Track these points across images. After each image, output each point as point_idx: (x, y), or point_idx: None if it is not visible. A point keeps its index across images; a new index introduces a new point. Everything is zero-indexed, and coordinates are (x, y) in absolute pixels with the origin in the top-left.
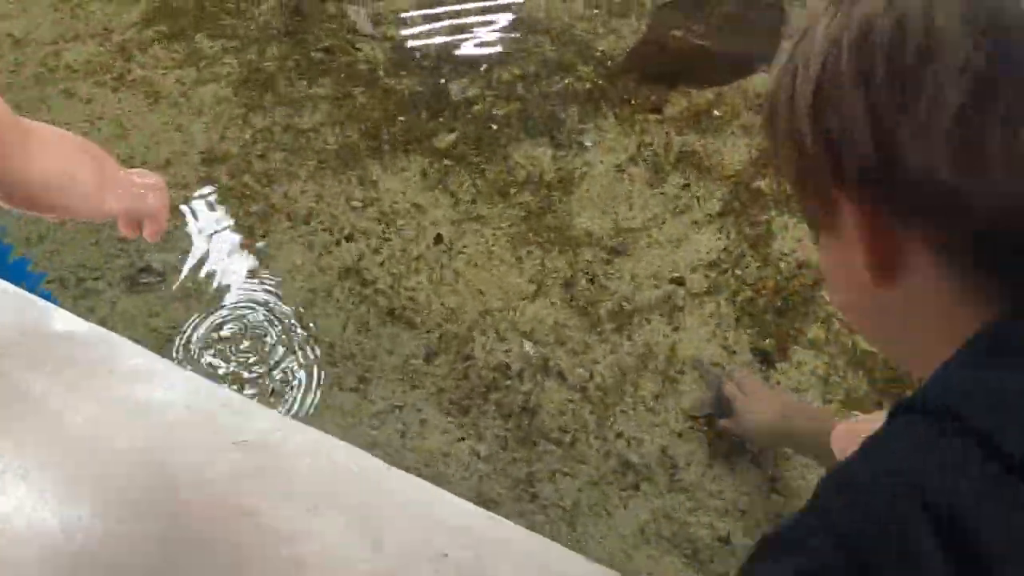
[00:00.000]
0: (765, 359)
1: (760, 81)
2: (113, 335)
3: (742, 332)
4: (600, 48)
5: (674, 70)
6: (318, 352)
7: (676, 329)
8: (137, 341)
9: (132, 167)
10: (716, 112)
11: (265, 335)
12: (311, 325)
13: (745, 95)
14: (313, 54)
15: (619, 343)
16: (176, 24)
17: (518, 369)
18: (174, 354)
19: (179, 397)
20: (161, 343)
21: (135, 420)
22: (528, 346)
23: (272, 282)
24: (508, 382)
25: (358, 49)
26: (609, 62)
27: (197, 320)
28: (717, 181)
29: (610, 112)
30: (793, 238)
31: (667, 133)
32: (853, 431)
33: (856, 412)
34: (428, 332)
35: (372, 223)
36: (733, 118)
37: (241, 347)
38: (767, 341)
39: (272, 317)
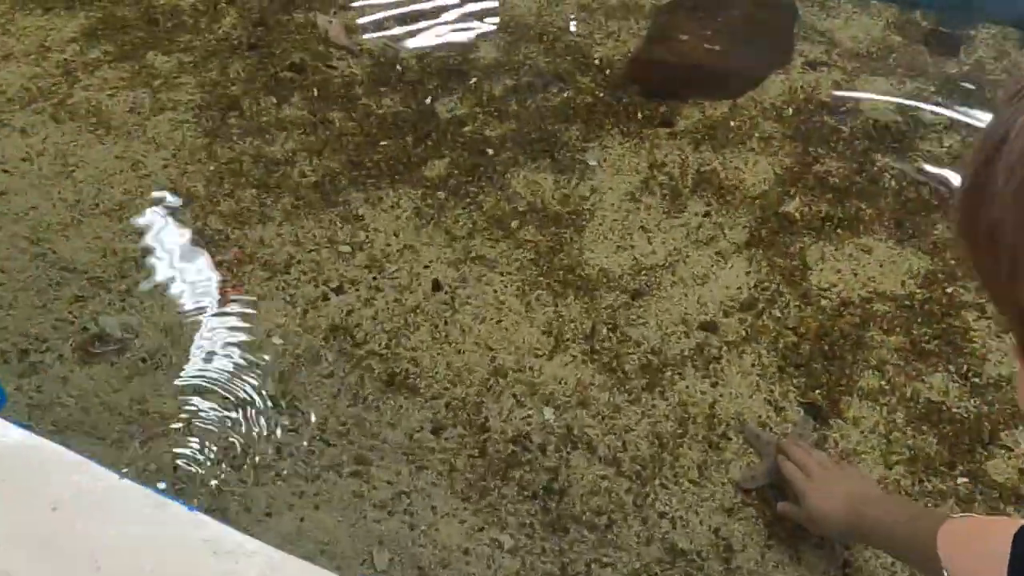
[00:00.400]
0: (817, 414)
1: (775, 87)
2: (51, 446)
3: (787, 384)
4: (598, 55)
5: (682, 78)
6: (308, 430)
7: (715, 384)
8: (92, 430)
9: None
10: (732, 124)
11: (245, 413)
12: (298, 397)
13: (761, 105)
14: (282, 72)
15: (652, 404)
16: (123, 39)
17: (540, 440)
18: (138, 448)
19: (147, 539)
20: (121, 427)
21: None
22: (549, 412)
23: (250, 346)
24: (529, 456)
25: (332, 65)
26: (609, 71)
27: (163, 396)
28: (740, 205)
29: (615, 128)
30: (831, 269)
31: (681, 151)
32: (970, 534)
33: (968, 512)
34: (434, 399)
35: (361, 270)
36: (751, 131)
37: (217, 430)
38: (816, 393)
39: (252, 390)
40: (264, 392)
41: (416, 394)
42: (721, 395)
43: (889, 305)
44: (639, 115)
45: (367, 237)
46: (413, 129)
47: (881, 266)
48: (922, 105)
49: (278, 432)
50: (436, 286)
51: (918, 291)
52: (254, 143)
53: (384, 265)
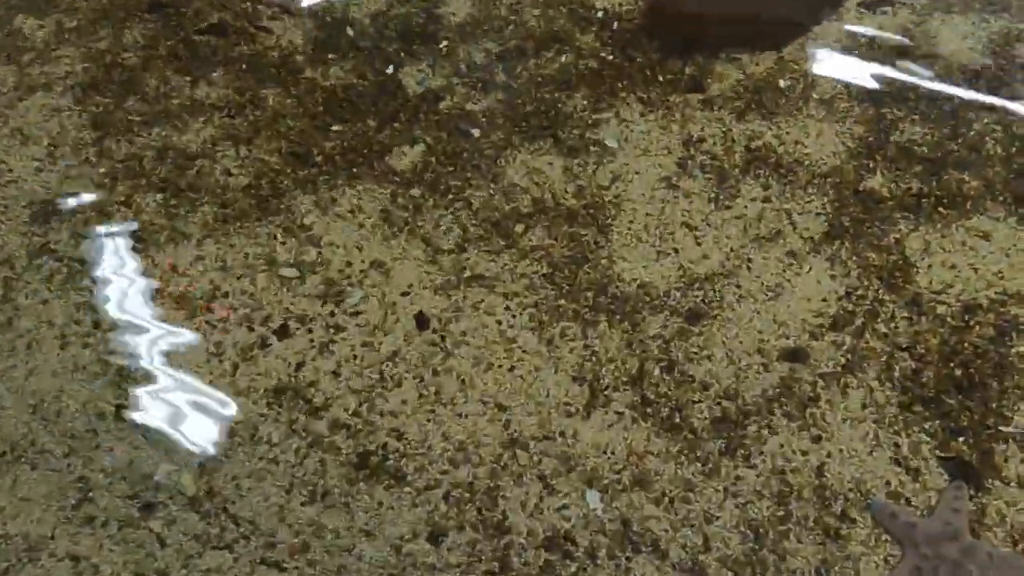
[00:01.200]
0: (967, 474)
1: (829, 34)
2: None
3: (917, 430)
4: (600, 6)
5: (711, 30)
6: (248, 548)
7: (817, 439)
8: None
9: None
10: (781, 84)
11: (153, 525)
12: (230, 497)
13: (815, 58)
14: (197, 37)
15: (737, 475)
16: None
17: (586, 543)
18: None
19: None
20: None
21: None
22: (594, 498)
23: (161, 420)
24: (573, 567)
25: (263, 27)
26: (616, 24)
27: (31, 507)
28: (810, 186)
29: (632, 96)
30: (942, 264)
31: (721, 122)
32: None
33: None
34: (428, 489)
35: (312, 302)
36: (808, 92)
37: (112, 554)
38: (960, 442)
39: (163, 489)
40: (180, 491)
41: (402, 483)
42: (829, 454)
43: None
44: (660, 78)
45: (319, 256)
46: (373, 107)
47: (1007, 255)
48: (1016, 44)
49: (203, 553)
50: (421, 321)
51: None
52: (161, 133)
53: (345, 293)
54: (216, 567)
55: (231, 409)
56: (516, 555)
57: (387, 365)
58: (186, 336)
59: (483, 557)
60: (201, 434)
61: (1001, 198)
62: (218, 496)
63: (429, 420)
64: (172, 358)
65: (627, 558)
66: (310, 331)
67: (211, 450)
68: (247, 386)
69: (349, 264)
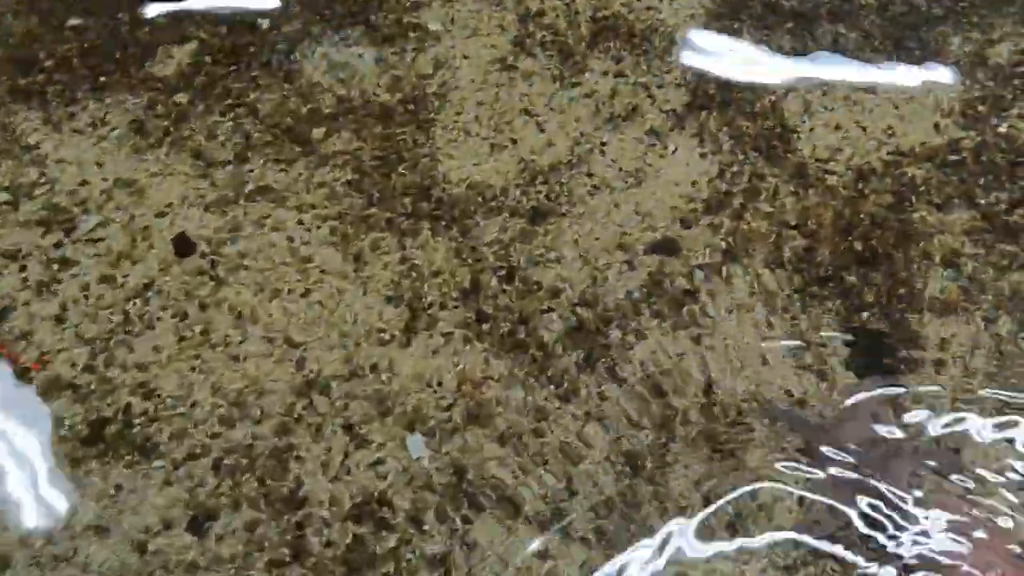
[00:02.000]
0: (877, 355)
1: None
2: None
3: (818, 312)
4: None
5: None
6: None
7: (698, 339)
8: None
9: None
10: None
11: None
12: None
13: None
14: None
15: (601, 394)
16: None
17: (408, 505)
18: None
19: None
20: None
21: None
22: (416, 445)
23: None
24: (393, 541)
25: None
26: None
27: None
28: (668, 57)
29: None
30: (826, 126)
31: None
32: None
33: None
34: (190, 460)
35: (28, 232)
36: None
37: None
38: (865, 317)
39: None
40: None
41: (152, 455)
42: (713, 358)
43: (927, 166)
44: None
45: (43, 176)
46: (128, 4)
47: (896, 108)
48: None
49: None
50: (183, 244)
51: (962, 135)
52: None
53: (76, 219)
54: None
55: None
56: (314, 534)
57: (134, 303)
58: None
59: (267, 543)
60: None
61: (881, 48)
62: None
63: (194, 369)
64: None
65: (464, 519)
66: (22, 269)
67: None
68: None
69: (84, 183)
